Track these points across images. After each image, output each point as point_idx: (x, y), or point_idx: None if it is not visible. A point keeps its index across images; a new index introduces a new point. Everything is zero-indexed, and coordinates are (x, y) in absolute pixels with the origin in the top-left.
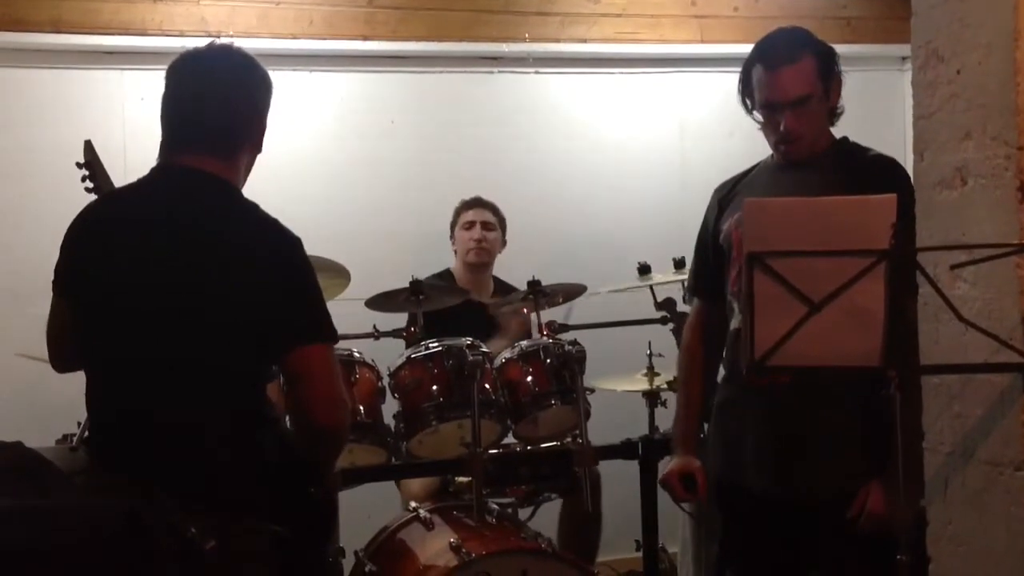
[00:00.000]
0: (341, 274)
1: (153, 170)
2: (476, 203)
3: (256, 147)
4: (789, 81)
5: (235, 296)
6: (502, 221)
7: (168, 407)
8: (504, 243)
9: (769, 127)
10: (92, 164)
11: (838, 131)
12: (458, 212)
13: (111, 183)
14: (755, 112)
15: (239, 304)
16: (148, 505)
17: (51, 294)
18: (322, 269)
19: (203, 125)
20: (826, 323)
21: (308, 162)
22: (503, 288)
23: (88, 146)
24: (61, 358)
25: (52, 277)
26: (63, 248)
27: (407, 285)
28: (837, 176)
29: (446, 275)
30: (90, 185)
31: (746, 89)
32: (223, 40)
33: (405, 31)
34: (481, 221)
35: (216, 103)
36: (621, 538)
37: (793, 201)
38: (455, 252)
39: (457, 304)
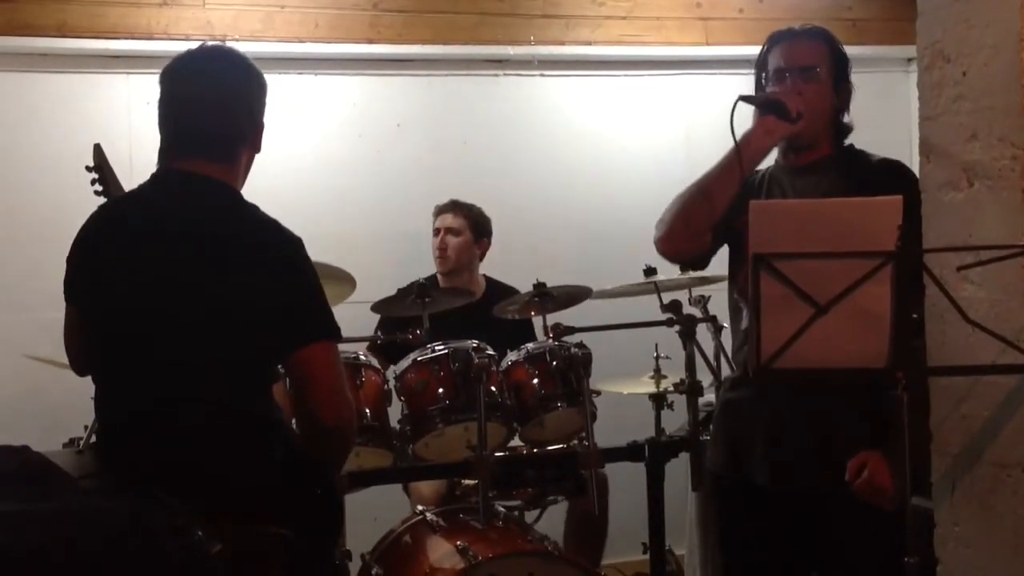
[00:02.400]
0: (345, 281)
1: (153, 176)
2: (444, 209)
3: (254, 147)
4: (802, 50)
5: (238, 297)
6: (475, 223)
7: (174, 409)
8: (483, 243)
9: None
10: (101, 168)
11: None
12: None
13: (120, 186)
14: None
15: (243, 305)
16: (154, 508)
17: (57, 298)
18: (326, 276)
19: (201, 130)
20: (832, 325)
21: (314, 165)
22: (496, 288)
23: (97, 150)
24: (80, 364)
25: (58, 281)
26: (69, 258)
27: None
28: (844, 180)
29: (432, 279)
30: (99, 188)
31: (762, 70)
32: (215, 41)
33: (410, 35)
34: (444, 227)
35: (212, 107)
36: (628, 541)
37: (798, 203)
38: None
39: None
